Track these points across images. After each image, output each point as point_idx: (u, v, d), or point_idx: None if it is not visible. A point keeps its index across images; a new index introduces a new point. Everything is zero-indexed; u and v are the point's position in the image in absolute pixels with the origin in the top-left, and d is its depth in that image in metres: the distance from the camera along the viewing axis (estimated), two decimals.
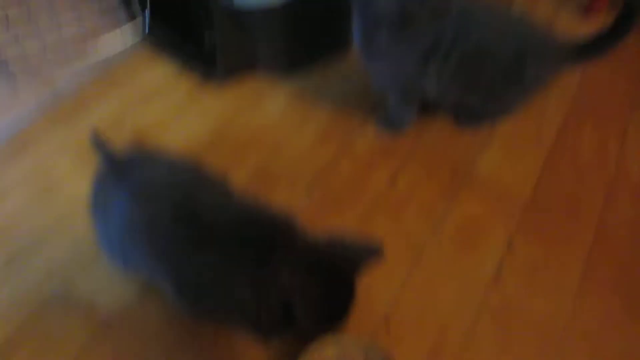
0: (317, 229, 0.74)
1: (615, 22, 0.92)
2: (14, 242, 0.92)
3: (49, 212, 0.98)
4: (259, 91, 1.18)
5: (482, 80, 0.95)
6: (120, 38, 1.31)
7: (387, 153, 1.05)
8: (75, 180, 1.03)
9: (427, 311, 0.82)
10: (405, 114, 1.07)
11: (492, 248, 0.89)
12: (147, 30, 1.29)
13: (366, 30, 0.93)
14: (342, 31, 1.20)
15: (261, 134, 1.10)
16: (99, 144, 0.87)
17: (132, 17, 1.29)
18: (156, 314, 0.83)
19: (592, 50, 0.96)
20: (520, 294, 0.83)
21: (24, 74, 1.25)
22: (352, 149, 1.06)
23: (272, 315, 0.70)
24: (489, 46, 0.91)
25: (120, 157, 0.76)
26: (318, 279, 0.69)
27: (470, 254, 0.88)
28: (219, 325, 0.81)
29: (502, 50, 0.92)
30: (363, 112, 1.13)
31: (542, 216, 0.94)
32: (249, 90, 1.18)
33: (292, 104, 1.15)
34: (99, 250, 0.89)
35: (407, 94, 1.02)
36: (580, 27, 1.38)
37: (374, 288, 0.77)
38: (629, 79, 1.21)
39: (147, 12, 1.28)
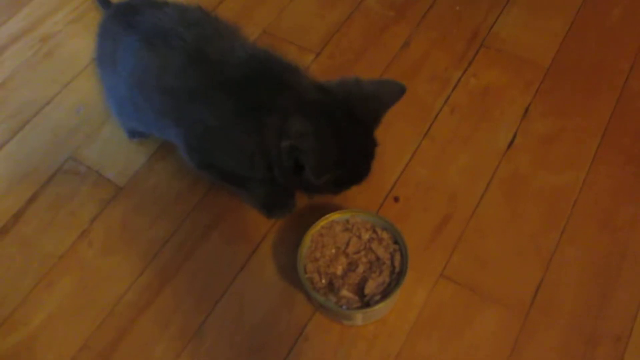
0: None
1: None
2: (17, 112, 0.89)
3: (48, 73, 0.94)
4: None
5: None
6: None
7: (402, 13, 0.98)
8: (72, 36, 0.98)
9: (437, 181, 0.79)
10: None
11: (507, 117, 0.85)
12: None
13: None
14: None
15: None
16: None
17: None
18: (166, 179, 0.81)
19: None
20: (532, 165, 0.80)
21: None
22: (364, 9, 0.99)
23: (281, 166, 0.63)
24: None
25: (126, 3, 0.73)
26: (331, 124, 0.62)
27: (484, 123, 0.85)
28: (230, 188, 0.79)
29: None
30: None
31: (562, 84, 0.89)
32: None
33: None
34: (104, 116, 0.87)
35: None
36: None
37: (383, 158, 0.74)
38: None
39: None
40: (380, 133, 0.66)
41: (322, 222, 0.69)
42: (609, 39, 0.94)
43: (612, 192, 0.78)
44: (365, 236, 0.69)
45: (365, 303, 0.65)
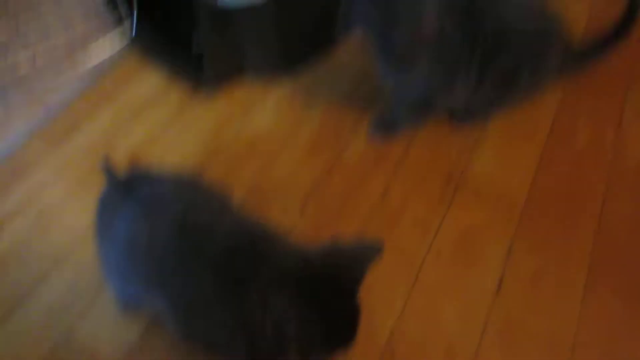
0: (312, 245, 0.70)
1: (619, 24, 0.99)
2: (10, 287, 0.90)
3: (45, 246, 0.96)
4: (249, 99, 1.16)
5: (505, 65, 0.92)
6: (108, 44, 1.29)
7: (379, 161, 1.03)
8: (70, 207, 1.02)
9: (432, 333, 0.80)
10: (411, 120, 1.06)
11: (492, 258, 0.87)
12: (134, 34, 1.27)
13: (398, 49, 0.89)
14: (330, 29, 1.17)
15: (253, 146, 1.08)
16: (109, 169, 0.90)
17: (119, 21, 1.27)
18: (160, 354, 0.81)
19: (596, 51, 1.01)
20: (525, 306, 0.82)
21: (14, 89, 1.23)
22: (344, 159, 1.04)
23: (264, 342, 0.64)
24: (509, 29, 0.90)
25: (124, 176, 0.77)
26: (313, 298, 0.63)
27: (471, 267, 0.86)
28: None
29: (524, 33, 0.91)
30: (353, 117, 1.11)
31: (541, 218, 0.92)
32: (239, 98, 1.16)
33: (282, 111, 1.13)
34: (98, 288, 0.88)
35: (430, 103, 1.00)
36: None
37: (373, 314, 0.75)
38: (621, 63, 1.17)
39: (134, 14, 1.25)
40: (370, 287, 0.67)
41: None
42: (579, 165, 0.99)
43: (608, 328, 0.78)
44: None
45: None
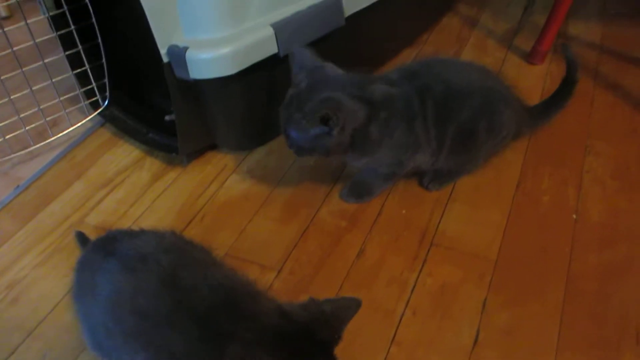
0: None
1: (559, 89, 1.15)
2: None
3: (15, 318, 0.94)
4: (223, 165, 1.20)
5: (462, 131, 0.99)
6: (79, 116, 1.32)
7: (353, 222, 1.05)
8: (40, 278, 1.01)
9: None
10: (383, 186, 1.09)
11: (468, 313, 0.88)
12: (106, 104, 1.30)
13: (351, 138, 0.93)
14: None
15: (228, 210, 1.09)
16: (82, 239, 0.96)
17: (90, 93, 1.30)
18: None
19: (543, 115, 1.15)
20: (501, 359, 0.82)
21: None
22: (319, 219, 1.06)
23: None
24: (458, 90, 0.98)
25: (104, 234, 0.79)
26: (291, 351, 0.64)
27: (447, 322, 0.87)
28: None
29: (472, 92, 0.99)
30: (325, 183, 1.14)
31: (513, 274, 0.94)
32: (213, 169, 1.20)
33: (256, 176, 1.16)
34: (71, 358, 0.86)
35: (400, 169, 1.04)
36: (527, 76, 1.42)
37: None
38: (577, 119, 1.24)
39: (107, 86, 1.29)
40: (348, 344, 0.68)
41: None
42: (545, 225, 1.02)
43: None
44: None
45: None
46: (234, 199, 1.12)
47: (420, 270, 0.95)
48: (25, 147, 1.27)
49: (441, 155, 1.01)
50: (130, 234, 0.78)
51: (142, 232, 0.79)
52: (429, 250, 0.98)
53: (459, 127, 0.98)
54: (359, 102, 0.91)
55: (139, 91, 1.33)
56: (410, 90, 0.96)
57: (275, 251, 1.00)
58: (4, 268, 1.03)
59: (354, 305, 0.70)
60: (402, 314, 0.89)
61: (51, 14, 1.21)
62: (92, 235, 1.05)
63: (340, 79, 0.95)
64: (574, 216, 1.03)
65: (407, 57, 1.52)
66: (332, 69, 0.97)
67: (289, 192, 1.12)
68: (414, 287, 0.93)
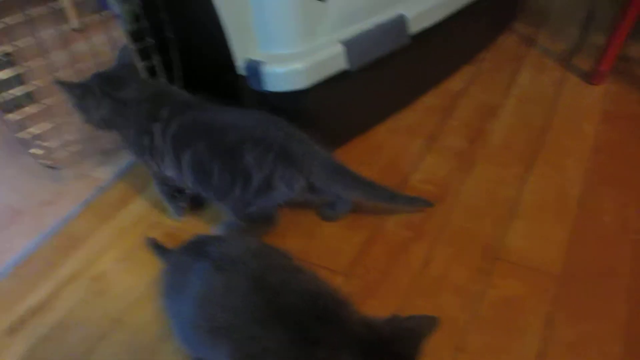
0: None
1: None
2: (72, 346, 0.95)
3: (101, 309, 1.01)
4: None
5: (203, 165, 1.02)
6: None
7: (418, 233, 1.09)
8: (121, 273, 1.08)
9: None
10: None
11: (532, 327, 0.91)
12: None
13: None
14: (369, 113, 1.28)
15: (296, 220, 1.15)
16: (155, 244, 1.02)
17: None
18: None
19: (354, 181, 1.06)
20: None
21: (67, 168, 1.33)
22: (384, 232, 1.10)
23: None
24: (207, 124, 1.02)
25: (194, 238, 0.85)
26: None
27: (512, 334, 0.90)
28: None
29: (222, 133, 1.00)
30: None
31: (577, 290, 0.96)
32: None
33: None
34: (154, 348, 0.93)
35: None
36: (585, 96, 1.45)
37: None
38: (638, 143, 1.26)
39: None
40: None
41: None
42: (606, 243, 1.04)
43: None
44: None
45: None
46: (301, 205, 1.17)
47: (485, 283, 0.99)
48: (106, 151, 1.35)
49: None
50: (219, 239, 0.85)
51: (229, 237, 0.86)
52: (493, 263, 1.02)
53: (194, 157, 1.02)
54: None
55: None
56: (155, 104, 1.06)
57: (342, 257, 1.05)
58: (91, 262, 1.11)
59: (432, 323, 0.75)
60: (467, 325, 0.92)
61: (130, 29, 1.30)
62: (168, 236, 1.12)
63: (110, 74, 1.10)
64: (636, 236, 1.05)
65: (465, 74, 1.56)
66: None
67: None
68: (478, 298, 0.96)
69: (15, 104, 1.22)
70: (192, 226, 1.16)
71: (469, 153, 1.28)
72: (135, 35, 1.28)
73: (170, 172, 1.08)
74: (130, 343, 0.95)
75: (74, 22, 1.91)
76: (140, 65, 1.29)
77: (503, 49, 1.68)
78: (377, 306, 0.96)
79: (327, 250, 1.07)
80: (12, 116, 1.22)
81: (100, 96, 1.07)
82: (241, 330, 0.73)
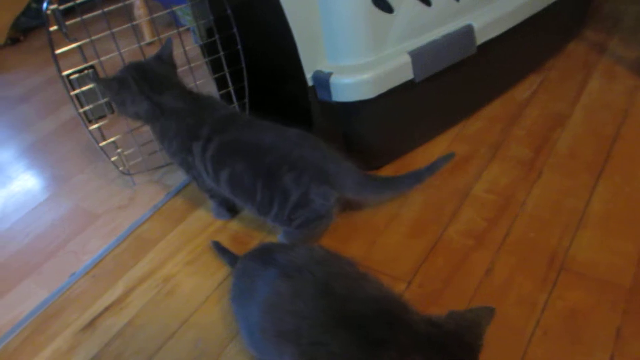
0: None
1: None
2: (143, 348, 0.99)
3: (169, 310, 1.06)
4: None
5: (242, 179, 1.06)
6: None
7: (480, 242, 1.08)
8: (189, 275, 1.12)
9: None
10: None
11: (600, 340, 0.88)
12: None
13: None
14: (432, 122, 1.28)
15: (357, 226, 1.16)
16: (220, 248, 1.03)
17: None
18: None
19: (386, 185, 1.11)
20: None
21: (139, 174, 1.40)
22: (446, 240, 1.10)
23: None
24: (247, 144, 1.06)
25: (262, 246, 0.91)
26: (442, 357, 0.70)
27: (579, 346, 0.88)
28: None
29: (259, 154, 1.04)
30: (452, 202, 1.18)
31: None
32: None
33: None
34: (221, 347, 0.96)
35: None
36: None
37: None
38: None
39: (247, 108, 1.40)
40: None
41: None
42: None
43: None
44: None
45: None
46: (364, 213, 1.18)
47: (550, 293, 0.96)
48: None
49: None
50: (284, 247, 0.88)
51: (294, 245, 0.88)
52: (558, 274, 0.99)
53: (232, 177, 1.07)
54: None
55: (273, 110, 1.44)
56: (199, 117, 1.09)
57: (404, 264, 1.06)
58: (160, 264, 1.16)
59: (490, 313, 0.76)
60: (532, 334, 0.91)
61: (204, 42, 1.36)
62: (233, 239, 1.16)
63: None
64: None
65: (532, 82, 1.53)
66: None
67: (416, 209, 1.18)
68: (543, 308, 0.94)
69: (98, 115, 1.30)
70: (256, 231, 1.19)
71: (534, 162, 1.26)
72: (209, 49, 1.34)
73: (209, 184, 1.14)
74: (197, 343, 0.98)
75: (147, 36, 2.01)
76: (212, 77, 1.35)
77: (572, 56, 1.64)
78: (440, 314, 0.95)
79: (389, 257, 1.08)
80: (93, 126, 1.30)
81: (137, 93, 1.10)
82: (307, 335, 0.75)
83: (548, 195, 1.16)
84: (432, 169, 1.09)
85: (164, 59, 1.14)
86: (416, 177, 1.10)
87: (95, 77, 1.11)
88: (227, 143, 1.07)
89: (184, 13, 1.86)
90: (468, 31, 1.20)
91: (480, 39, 1.23)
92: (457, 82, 1.28)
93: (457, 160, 1.29)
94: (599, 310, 0.93)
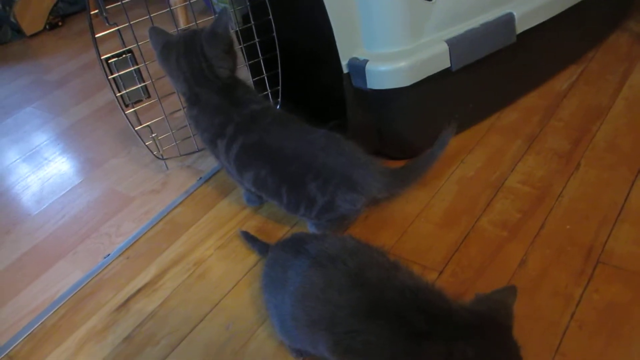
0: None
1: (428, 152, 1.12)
2: (175, 329, 1.01)
3: (201, 293, 1.07)
4: None
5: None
6: None
7: (514, 233, 1.06)
8: (220, 259, 1.13)
9: None
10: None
11: (638, 335, 0.86)
12: (278, 108, 1.43)
13: None
14: (468, 112, 1.27)
15: (388, 215, 1.15)
16: (249, 237, 1.03)
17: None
18: None
19: (409, 176, 1.12)
20: None
21: (172, 159, 1.41)
22: (478, 231, 1.08)
23: None
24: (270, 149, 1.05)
25: (294, 236, 0.91)
26: (492, 344, 0.70)
27: (616, 340, 0.86)
28: None
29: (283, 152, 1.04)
30: (485, 192, 1.16)
31: None
32: None
33: (416, 184, 1.19)
34: (251, 330, 0.97)
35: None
36: None
37: None
38: None
39: (280, 94, 1.40)
40: None
41: None
42: None
43: None
44: None
45: None
46: (395, 202, 1.18)
47: (586, 286, 0.94)
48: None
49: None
50: (315, 237, 0.87)
51: (325, 235, 0.88)
52: (595, 267, 0.97)
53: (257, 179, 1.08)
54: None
55: (306, 97, 1.44)
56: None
57: (436, 253, 1.05)
58: (192, 247, 1.17)
59: (513, 291, 0.77)
60: (567, 327, 0.89)
61: (239, 28, 1.36)
62: (263, 226, 1.16)
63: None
64: None
65: (571, 73, 1.49)
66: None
67: (449, 198, 1.16)
68: (579, 301, 0.92)
69: (134, 99, 1.31)
70: (286, 217, 1.19)
71: (571, 155, 1.23)
72: (244, 35, 1.34)
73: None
74: (228, 326, 0.99)
75: (181, 22, 2.03)
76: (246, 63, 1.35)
77: (614, 48, 1.59)
78: None
79: (420, 247, 1.07)
80: (130, 110, 1.32)
81: (177, 68, 1.10)
82: (342, 325, 0.75)
83: (585, 189, 1.14)
84: (441, 144, 1.11)
85: (219, 33, 1.09)
86: (433, 156, 1.11)
87: (153, 27, 1.12)
88: (250, 145, 1.07)
89: (220, 0, 1.87)
90: (508, 20, 1.17)
91: (521, 28, 1.21)
92: (494, 71, 1.26)
93: (492, 151, 1.27)
94: (637, 304, 0.90)
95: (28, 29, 2.48)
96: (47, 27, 2.52)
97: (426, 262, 1.04)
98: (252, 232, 1.14)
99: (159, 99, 1.31)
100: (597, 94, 1.41)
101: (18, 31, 2.50)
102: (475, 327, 0.70)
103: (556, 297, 0.93)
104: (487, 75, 1.25)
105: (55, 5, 2.50)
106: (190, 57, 1.08)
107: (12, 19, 2.45)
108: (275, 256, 0.90)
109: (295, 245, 0.86)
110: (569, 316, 0.90)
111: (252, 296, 1.03)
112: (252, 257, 1.12)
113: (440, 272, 1.01)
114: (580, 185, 1.15)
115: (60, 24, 2.54)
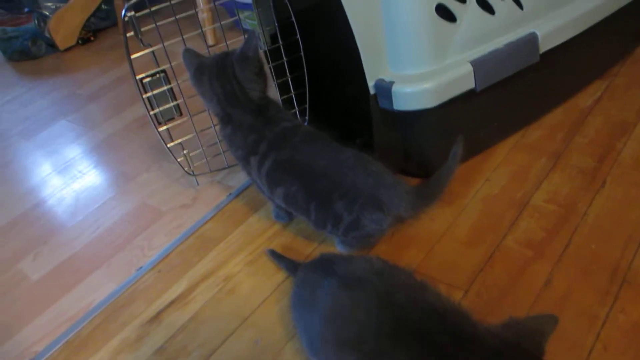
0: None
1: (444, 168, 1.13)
2: (206, 342, 1.03)
3: (230, 308, 1.10)
4: None
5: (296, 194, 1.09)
6: None
7: (540, 252, 1.07)
8: (249, 275, 1.16)
9: None
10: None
11: None
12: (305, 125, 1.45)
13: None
14: (492, 130, 1.28)
15: (413, 234, 1.17)
16: (278, 256, 1.06)
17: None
18: None
19: (433, 193, 1.13)
20: None
21: (202, 175, 1.45)
22: (504, 250, 1.10)
23: None
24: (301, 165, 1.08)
25: (322, 256, 0.93)
26: None
27: None
28: None
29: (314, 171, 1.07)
30: (510, 211, 1.17)
31: None
32: None
33: (441, 202, 1.20)
34: (280, 346, 0.99)
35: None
36: None
37: None
38: None
39: (307, 113, 1.43)
40: None
41: None
42: None
43: None
44: None
45: None
46: (420, 219, 1.19)
47: (612, 306, 0.95)
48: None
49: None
50: (343, 258, 0.90)
51: (353, 256, 0.91)
52: (620, 287, 0.98)
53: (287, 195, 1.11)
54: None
55: (331, 115, 1.47)
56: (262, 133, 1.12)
57: (461, 272, 1.06)
58: (222, 263, 1.20)
59: (552, 321, 0.76)
60: (592, 348, 0.90)
61: (268, 48, 1.40)
62: (291, 243, 1.19)
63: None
64: None
65: (596, 89, 1.50)
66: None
67: (474, 217, 1.18)
68: (604, 322, 0.93)
69: (167, 117, 1.36)
70: (314, 234, 1.21)
71: (597, 172, 1.23)
72: (272, 55, 1.38)
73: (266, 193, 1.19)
74: (257, 341, 1.02)
75: (209, 39, 2.08)
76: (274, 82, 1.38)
77: (639, 62, 1.59)
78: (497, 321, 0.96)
79: (446, 265, 1.09)
80: (163, 127, 1.36)
81: (209, 89, 1.13)
82: (370, 344, 0.77)
83: (611, 206, 1.14)
84: (455, 157, 1.12)
85: (249, 56, 1.11)
86: (450, 170, 1.13)
87: (187, 48, 1.15)
88: (281, 162, 1.10)
89: (248, 18, 1.91)
90: (532, 39, 1.19)
91: (544, 47, 1.22)
92: (518, 90, 1.28)
93: (516, 169, 1.28)
94: None
95: (62, 44, 2.56)
96: (80, 41, 2.60)
97: (452, 280, 1.05)
98: (280, 248, 1.17)
99: (190, 117, 1.35)
100: (623, 109, 1.41)
101: (52, 45, 2.58)
102: (499, 353, 0.71)
103: (581, 317, 0.94)
104: (511, 94, 1.27)
105: (87, 20, 2.57)
106: (222, 79, 1.12)
107: (47, 34, 2.53)
108: (304, 276, 0.93)
109: (323, 266, 0.88)
110: (594, 337, 0.91)
111: (280, 312, 1.06)
112: (280, 274, 1.15)
113: (466, 292, 1.03)
114: (606, 203, 1.15)
115: (92, 38, 2.62)
